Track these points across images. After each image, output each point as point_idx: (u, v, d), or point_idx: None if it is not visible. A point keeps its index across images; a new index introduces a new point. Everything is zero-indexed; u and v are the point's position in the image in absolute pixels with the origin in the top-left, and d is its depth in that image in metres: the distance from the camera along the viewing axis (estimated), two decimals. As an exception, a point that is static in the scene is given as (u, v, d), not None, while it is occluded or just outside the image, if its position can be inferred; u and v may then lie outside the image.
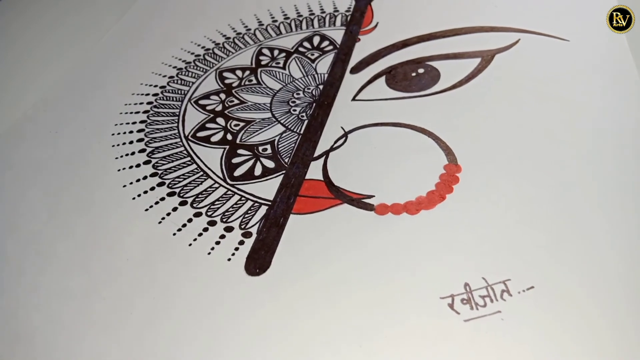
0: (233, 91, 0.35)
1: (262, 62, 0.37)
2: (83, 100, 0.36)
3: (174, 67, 0.38)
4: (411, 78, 0.35)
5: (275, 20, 0.41)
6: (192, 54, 0.39)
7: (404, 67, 0.35)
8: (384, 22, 0.40)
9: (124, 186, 0.29)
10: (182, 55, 0.39)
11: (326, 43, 0.39)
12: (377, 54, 0.37)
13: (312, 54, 0.38)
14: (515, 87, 0.33)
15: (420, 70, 0.35)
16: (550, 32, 0.37)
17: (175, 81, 0.36)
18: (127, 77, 0.37)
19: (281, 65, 0.37)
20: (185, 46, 0.39)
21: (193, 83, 0.36)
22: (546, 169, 0.27)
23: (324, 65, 0.37)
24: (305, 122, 0.32)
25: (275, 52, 0.38)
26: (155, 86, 0.36)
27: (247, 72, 0.37)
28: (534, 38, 0.37)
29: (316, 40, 0.39)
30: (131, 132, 0.32)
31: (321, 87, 0.35)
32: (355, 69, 0.36)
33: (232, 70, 0.37)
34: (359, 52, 0.38)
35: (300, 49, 0.38)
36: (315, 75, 0.36)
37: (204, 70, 0.37)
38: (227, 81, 0.36)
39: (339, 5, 0.42)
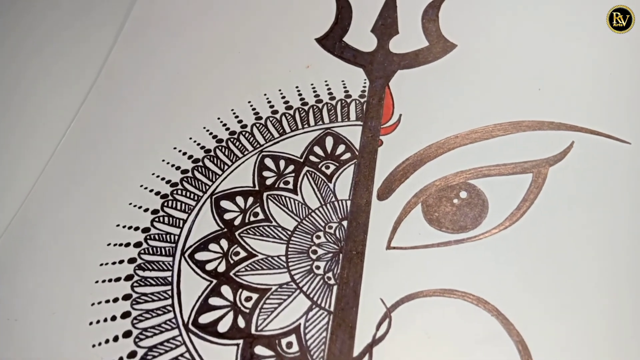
0: (237, 234, 0.28)
1: (267, 182, 0.30)
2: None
3: (144, 209, 0.30)
4: (452, 209, 0.28)
5: (276, 112, 0.34)
6: (178, 167, 0.31)
7: (440, 193, 0.29)
8: (408, 113, 0.33)
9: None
10: (156, 185, 0.31)
11: (342, 148, 0.32)
12: (408, 168, 0.30)
13: (327, 166, 0.31)
14: (583, 219, 0.28)
15: (463, 195, 0.29)
16: (608, 130, 0.31)
17: (160, 219, 0.29)
18: (97, 229, 0.29)
19: (291, 185, 0.30)
20: (158, 170, 0.31)
21: (184, 222, 0.29)
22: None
23: (343, 184, 0.30)
24: (335, 288, 0.26)
25: (282, 164, 0.31)
26: (136, 229, 0.28)
27: (251, 200, 0.29)
28: (590, 139, 0.31)
29: (329, 143, 0.32)
30: (113, 318, 0.25)
31: (345, 223, 0.28)
32: (384, 193, 0.30)
33: (231, 196, 0.30)
34: (384, 162, 0.31)
35: (311, 157, 0.31)
36: (336, 204, 0.29)
37: (195, 199, 0.30)
38: (227, 216, 0.29)
39: (351, 85, 0.35)
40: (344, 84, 0.35)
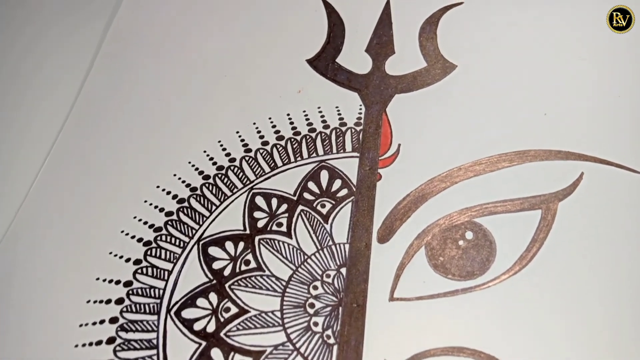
0: (227, 286, 0.26)
1: (259, 224, 0.28)
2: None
3: (126, 259, 0.27)
4: (458, 253, 0.27)
5: (266, 143, 0.31)
6: (162, 209, 0.29)
7: (444, 234, 0.27)
8: (407, 142, 0.31)
9: None
10: (139, 230, 0.28)
11: (338, 184, 0.30)
12: (409, 205, 0.28)
13: (323, 205, 0.29)
14: (597, 258, 0.26)
15: (469, 236, 0.27)
16: (618, 159, 0.30)
17: (143, 270, 0.27)
18: (75, 287, 0.27)
19: (284, 228, 0.28)
20: (141, 212, 0.29)
21: (169, 273, 0.26)
22: None
23: (341, 224, 0.28)
24: (335, 348, 0.24)
25: (274, 203, 0.29)
26: (117, 283, 0.26)
27: (241, 246, 0.27)
28: (600, 170, 0.29)
29: (324, 177, 0.30)
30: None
31: (344, 271, 0.26)
32: (385, 235, 0.28)
33: (220, 242, 0.28)
34: (383, 198, 0.29)
35: (306, 194, 0.29)
36: (334, 248, 0.27)
37: (181, 245, 0.27)
38: (216, 265, 0.27)
39: (345, 112, 0.32)
40: (338, 111, 0.33)
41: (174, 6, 0.37)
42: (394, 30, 0.36)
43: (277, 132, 0.32)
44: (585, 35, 0.34)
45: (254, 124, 0.32)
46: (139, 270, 0.26)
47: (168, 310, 0.25)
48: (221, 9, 0.37)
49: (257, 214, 0.29)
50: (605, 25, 0.34)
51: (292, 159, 0.31)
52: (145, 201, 0.29)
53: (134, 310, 0.25)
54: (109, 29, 0.36)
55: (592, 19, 0.35)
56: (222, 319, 0.25)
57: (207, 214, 0.29)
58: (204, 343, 0.24)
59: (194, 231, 0.28)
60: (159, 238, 0.28)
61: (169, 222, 0.28)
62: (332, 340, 0.24)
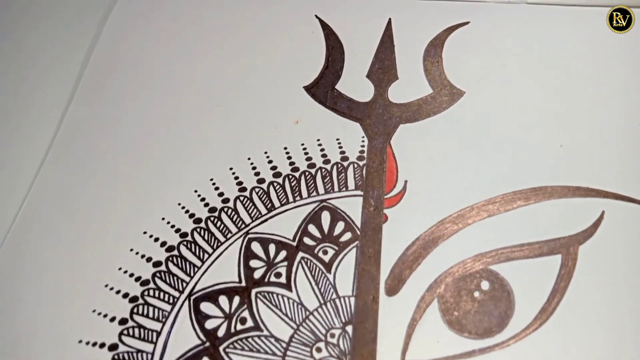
0: (221, 349, 0.24)
1: (255, 275, 0.26)
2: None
3: (111, 317, 0.24)
4: (474, 307, 0.24)
5: (262, 181, 0.29)
6: (149, 259, 0.26)
7: (458, 284, 0.25)
8: (414, 178, 0.29)
9: None
10: (124, 283, 0.26)
11: (341, 226, 0.27)
12: (419, 251, 0.26)
13: (325, 251, 0.27)
14: (623, 308, 0.24)
15: (485, 286, 0.25)
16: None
17: (129, 331, 0.24)
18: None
19: (284, 279, 0.26)
20: (126, 263, 0.26)
21: (158, 335, 0.24)
22: None
23: (345, 274, 0.26)
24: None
25: (272, 250, 0.27)
26: (102, 346, 0.24)
27: (237, 301, 0.25)
28: (622, 208, 0.27)
29: (325, 219, 0.28)
30: None
31: (350, 329, 0.24)
32: (394, 286, 0.25)
33: (213, 297, 0.25)
34: (391, 243, 0.27)
35: (306, 239, 0.27)
36: (338, 302, 0.25)
37: (171, 301, 0.25)
38: (208, 324, 0.24)
39: (347, 145, 0.30)
40: (339, 143, 0.30)
41: (159, 31, 0.35)
42: (397, 53, 0.33)
43: (273, 167, 0.29)
44: (605, 58, 0.32)
45: (249, 159, 0.30)
46: (125, 332, 0.24)
47: (157, 380, 0.23)
48: (211, 33, 0.34)
49: (253, 263, 0.26)
50: (625, 47, 0.32)
51: (291, 199, 0.28)
52: (131, 250, 0.27)
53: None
54: (90, 58, 0.33)
55: (609, 40, 0.33)
56: (216, 390, 0.22)
57: (198, 263, 0.26)
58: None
59: (184, 284, 0.26)
60: (146, 293, 0.25)
61: (157, 274, 0.26)
62: (339, 414, 0.22)
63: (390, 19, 0.35)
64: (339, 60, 0.33)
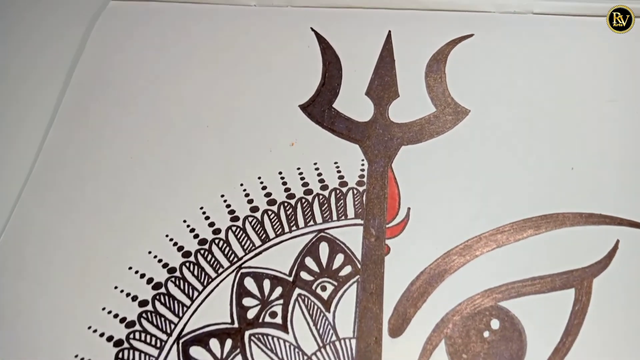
0: (213, 400, 0.22)
1: (249, 314, 0.24)
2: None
3: None
4: (483, 348, 0.23)
5: (256, 209, 0.27)
6: (135, 298, 0.24)
7: (467, 323, 0.23)
8: (417, 206, 0.27)
9: None
10: (108, 325, 0.24)
11: (340, 259, 0.26)
12: (424, 287, 0.25)
13: (323, 287, 0.25)
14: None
15: (495, 325, 0.23)
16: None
17: (115, 379, 0.23)
18: None
19: (279, 319, 0.24)
20: (110, 303, 0.24)
21: (145, 384, 0.22)
22: None
23: (345, 312, 0.24)
24: None
25: (266, 286, 0.25)
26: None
27: (229, 345, 0.23)
28: (636, 235, 0.26)
29: (323, 252, 0.26)
30: None
31: (352, 375, 0.22)
32: (397, 326, 0.24)
33: (204, 340, 0.23)
34: (394, 277, 0.25)
35: (303, 273, 0.25)
36: (338, 345, 0.23)
37: (158, 346, 0.23)
38: (199, 370, 0.23)
39: (345, 169, 0.28)
40: (337, 167, 0.28)
41: (145, 47, 0.33)
42: (397, 69, 0.32)
43: (267, 194, 0.28)
44: (616, 72, 0.30)
45: (241, 185, 0.28)
46: (108, 382, 0.22)
47: None
48: (200, 49, 0.32)
49: (246, 301, 0.24)
50: (638, 63, 0.30)
51: (287, 229, 0.27)
52: (116, 287, 0.25)
53: None
54: (70, 78, 0.31)
55: (621, 55, 0.31)
56: None
57: (188, 302, 0.24)
58: None
59: (172, 326, 0.24)
60: (131, 336, 0.23)
61: (144, 314, 0.24)
62: None
63: (390, 31, 0.33)
64: (336, 77, 0.31)
